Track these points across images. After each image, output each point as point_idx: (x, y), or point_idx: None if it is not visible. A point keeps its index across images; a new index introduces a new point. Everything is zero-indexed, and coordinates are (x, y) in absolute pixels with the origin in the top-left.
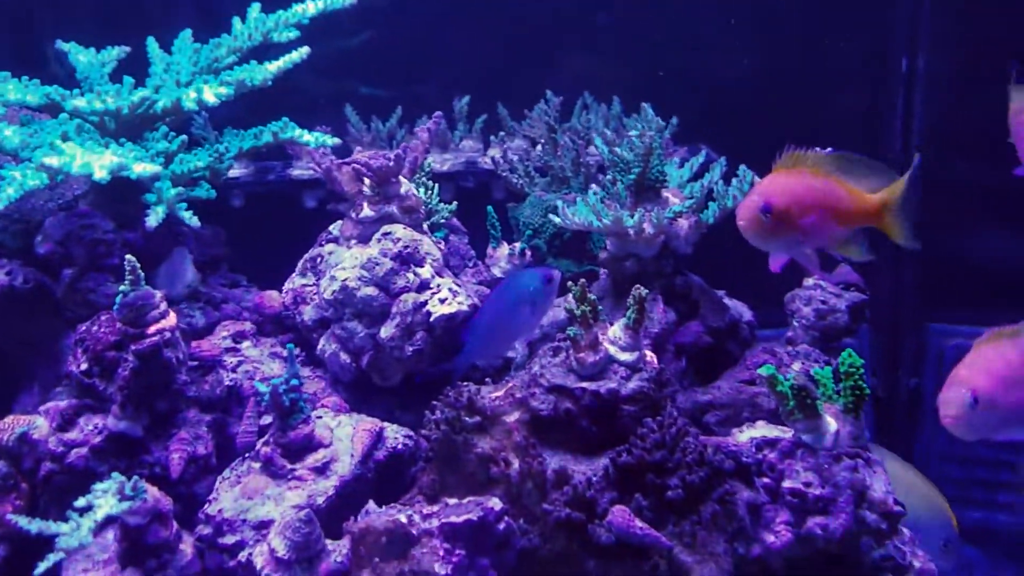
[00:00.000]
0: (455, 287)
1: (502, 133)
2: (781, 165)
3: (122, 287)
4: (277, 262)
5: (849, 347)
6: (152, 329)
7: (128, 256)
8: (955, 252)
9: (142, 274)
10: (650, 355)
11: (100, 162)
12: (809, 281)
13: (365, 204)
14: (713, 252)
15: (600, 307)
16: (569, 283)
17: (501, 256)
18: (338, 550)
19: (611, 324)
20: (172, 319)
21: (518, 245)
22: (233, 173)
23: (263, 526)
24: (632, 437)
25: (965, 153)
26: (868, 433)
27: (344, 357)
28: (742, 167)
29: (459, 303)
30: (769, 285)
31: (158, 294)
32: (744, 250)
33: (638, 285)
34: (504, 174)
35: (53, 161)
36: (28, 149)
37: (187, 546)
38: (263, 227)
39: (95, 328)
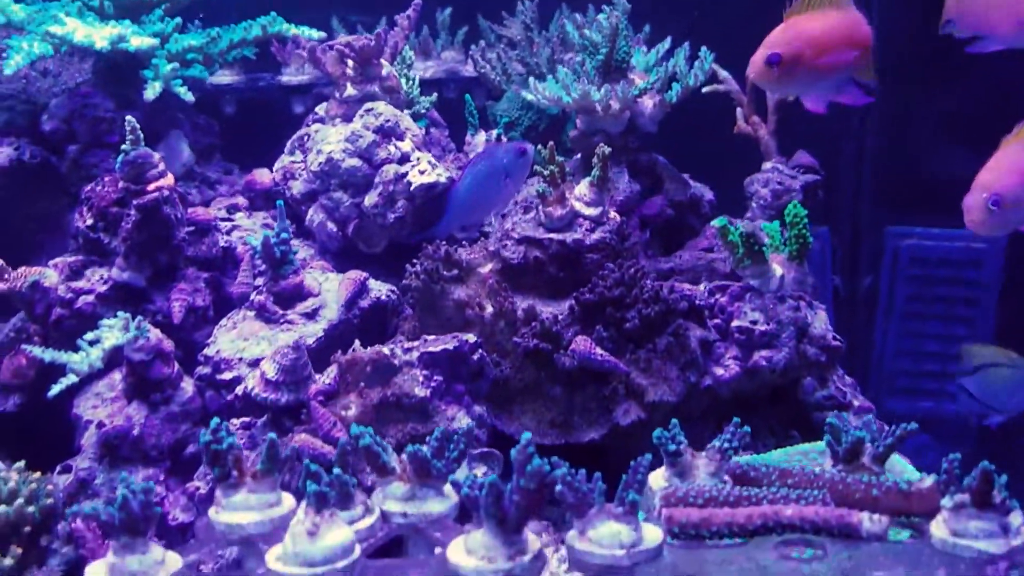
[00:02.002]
0: (434, 161)
1: (482, 42)
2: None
3: (123, 147)
4: (267, 162)
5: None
6: (152, 186)
7: (128, 117)
8: (912, 162)
9: (141, 135)
10: (613, 213)
11: (101, 34)
12: (767, 165)
13: (348, 84)
14: (677, 141)
15: (568, 169)
16: (539, 147)
17: (479, 143)
18: (326, 375)
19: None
20: (170, 179)
21: (494, 132)
22: (224, 80)
23: (257, 363)
24: (594, 278)
25: (923, 78)
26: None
27: (331, 226)
28: (703, 48)
29: (438, 175)
30: (730, 170)
31: (156, 155)
32: (706, 138)
33: (602, 144)
34: (483, 71)
35: (58, 30)
36: (34, 24)
37: (188, 384)
38: (253, 131)
39: (99, 187)
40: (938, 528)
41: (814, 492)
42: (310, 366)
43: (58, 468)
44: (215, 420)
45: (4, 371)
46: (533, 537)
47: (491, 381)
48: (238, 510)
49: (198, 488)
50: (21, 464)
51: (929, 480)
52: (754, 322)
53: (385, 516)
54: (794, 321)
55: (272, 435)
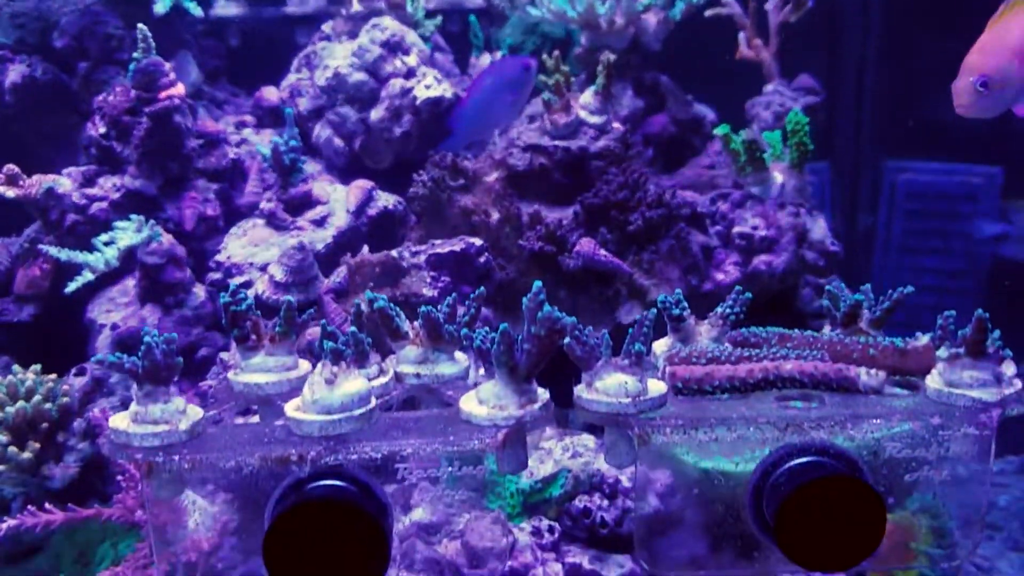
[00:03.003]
0: (439, 76)
1: None
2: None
3: (135, 55)
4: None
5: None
6: (163, 94)
7: (140, 25)
8: (911, 98)
9: (153, 44)
10: (617, 124)
11: None
12: (769, 87)
13: (355, 0)
14: (681, 63)
15: (572, 79)
16: (544, 57)
17: (483, 65)
18: (336, 275)
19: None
20: (181, 88)
21: (499, 53)
22: (229, 12)
23: (267, 268)
24: (598, 182)
25: (923, 14)
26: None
27: (337, 142)
28: None
29: (443, 90)
30: (732, 92)
31: (167, 64)
32: (709, 61)
33: (606, 52)
34: None
35: None
36: None
37: (200, 290)
38: (258, 62)
39: (111, 97)
40: (933, 380)
41: (813, 352)
42: (316, 267)
43: (73, 371)
44: (233, 284)
45: (19, 282)
46: (542, 390)
47: (497, 284)
48: (256, 371)
49: (211, 386)
50: (37, 367)
51: (925, 338)
52: (755, 228)
53: (399, 377)
54: (794, 227)
55: (289, 298)
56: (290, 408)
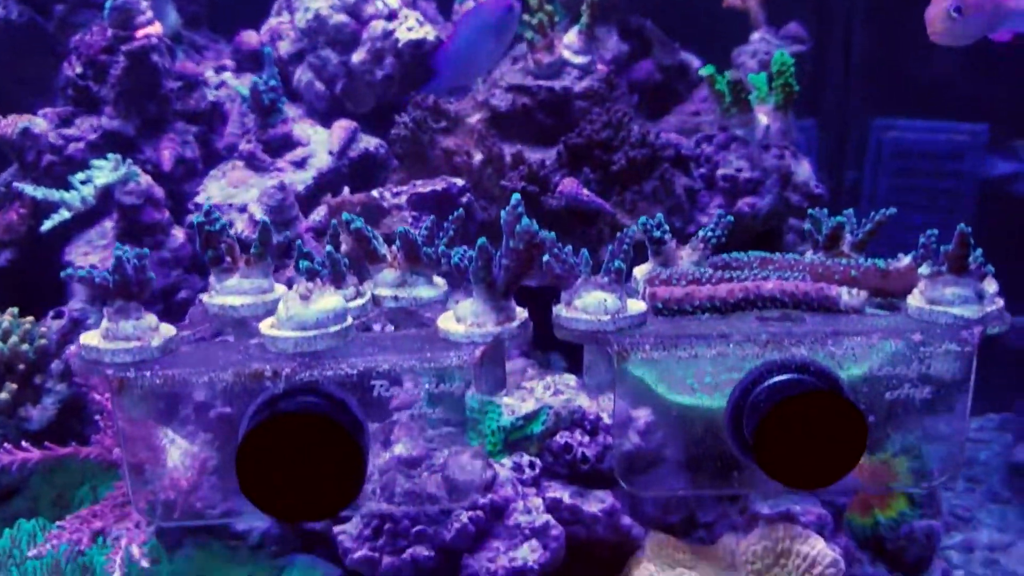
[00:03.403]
0: (421, 19)
1: None
2: None
3: None
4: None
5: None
6: (140, 33)
7: None
8: (898, 56)
9: None
10: (602, 66)
11: None
12: (755, 35)
13: None
14: (665, 9)
15: (556, 18)
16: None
17: (467, 9)
18: (316, 214)
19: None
20: (158, 27)
21: None
22: None
23: (247, 208)
24: (582, 122)
25: None
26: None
27: (319, 85)
28: None
29: (426, 32)
30: (718, 41)
31: (144, 2)
32: (694, 7)
33: None
34: None
35: None
36: None
37: (179, 232)
38: (237, 14)
39: (87, 36)
40: (914, 299)
41: (794, 274)
42: (297, 207)
43: (51, 314)
44: (208, 203)
45: None
46: (521, 309)
47: (479, 224)
48: (231, 294)
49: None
50: (14, 310)
51: (907, 259)
52: (739, 170)
53: (376, 300)
54: (778, 169)
55: (265, 219)
56: (264, 326)
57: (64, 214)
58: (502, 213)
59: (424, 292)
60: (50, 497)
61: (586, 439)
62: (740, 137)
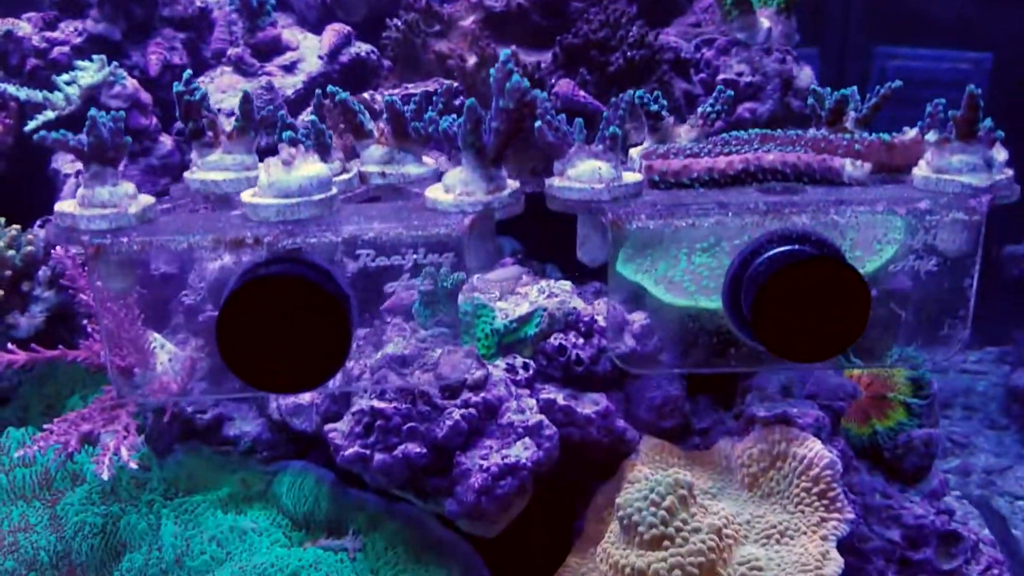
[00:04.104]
0: None
1: None
2: None
3: None
4: None
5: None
6: None
7: None
8: None
9: None
10: None
11: None
12: None
13: None
14: None
15: None
16: None
17: None
18: (304, 115)
19: None
20: None
21: None
22: None
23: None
24: (579, 21)
25: None
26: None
27: None
28: None
29: None
30: None
31: None
32: None
33: None
34: None
35: None
36: None
37: (167, 139)
38: None
39: None
40: (920, 169)
41: (797, 148)
42: (285, 109)
43: (38, 222)
44: (187, 72)
45: None
46: (512, 181)
47: None
48: (213, 169)
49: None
50: (0, 220)
51: (913, 132)
52: (740, 74)
53: (363, 177)
54: (780, 73)
55: (246, 88)
56: (246, 195)
57: (49, 114)
58: (491, 71)
59: (412, 169)
60: (40, 407)
61: (580, 341)
62: (741, 41)
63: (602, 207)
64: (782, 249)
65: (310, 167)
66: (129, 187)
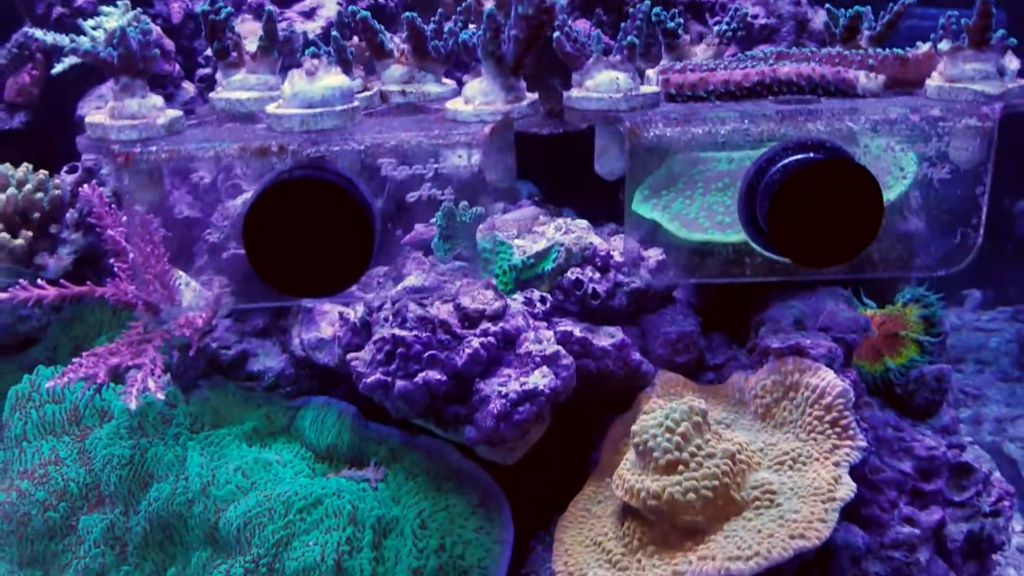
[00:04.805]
0: None
1: None
2: None
3: None
4: None
5: None
6: None
7: None
8: None
9: None
10: None
11: None
12: None
13: None
14: None
15: None
16: None
17: None
18: None
19: None
20: None
21: None
22: None
23: None
24: None
25: None
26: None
27: None
28: None
29: None
30: None
31: None
32: None
33: None
34: None
35: None
36: None
37: (189, 86)
38: None
39: None
40: (933, 80)
41: (812, 63)
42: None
43: (64, 168)
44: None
45: (9, 89)
46: (531, 94)
47: None
48: (238, 89)
49: (202, 177)
50: (27, 165)
51: (926, 46)
52: (755, 16)
53: (384, 96)
54: (794, 16)
55: (269, 8)
56: (270, 107)
57: (74, 59)
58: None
59: (432, 88)
60: (68, 347)
61: (597, 275)
62: None
63: (620, 116)
64: (797, 157)
65: (333, 78)
66: (157, 100)
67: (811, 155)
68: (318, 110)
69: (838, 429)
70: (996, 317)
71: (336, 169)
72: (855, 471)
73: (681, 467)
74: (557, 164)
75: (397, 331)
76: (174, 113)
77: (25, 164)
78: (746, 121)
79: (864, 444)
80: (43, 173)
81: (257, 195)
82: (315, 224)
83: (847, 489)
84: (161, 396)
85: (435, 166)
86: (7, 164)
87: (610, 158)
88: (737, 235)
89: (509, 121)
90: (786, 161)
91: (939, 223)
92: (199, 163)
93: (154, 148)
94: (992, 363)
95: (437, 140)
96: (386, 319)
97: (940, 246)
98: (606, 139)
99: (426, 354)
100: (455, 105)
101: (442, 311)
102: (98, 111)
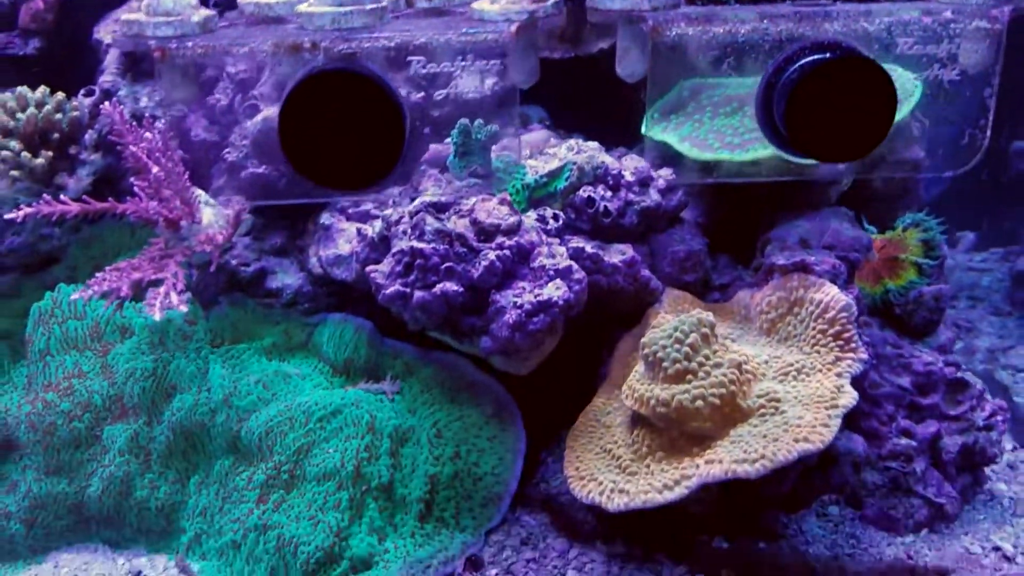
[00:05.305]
0: None
1: None
2: None
3: None
4: None
5: None
6: None
7: None
8: None
9: None
10: None
11: None
12: None
13: None
14: None
15: None
16: None
17: None
18: None
19: None
20: None
21: None
22: None
23: None
24: None
25: None
26: None
27: None
28: None
29: None
30: None
31: None
32: None
33: None
34: None
35: None
36: None
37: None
38: None
39: None
40: None
41: None
42: None
43: (82, 91)
44: None
45: (23, 16)
46: None
47: None
48: None
49: (219, 100)
50: (45, 88)
51: None
52: None
53: (409, 1)
54: None
55: None
56: (301, 7)
57: None
58: None
59: None
60: (88, 267)
61: (608, 194)
62: None
63: (643, 15)
64: (814, 56)
65: None
66: None
67: (827, 55)
68: (348, 8)
69: (841, 341)
70: (988, 258)
71: (368, 66)
72: (855, 384)
73: (689, 376)
74: (567, 89)
75: (416, 243)
76: (207, 12)
77: (42, 89)
78: (765, 21)
79: (865, 356)
80: (61, 95)
81: (293, 88)
82: (349, 116)
83: (849, 397)
84: (184, 308)
85: (462, 63)
86: (24, 88)
87: (632, 60)
88: (745, 155)
89: (534, 20)
90: (803, 61)
91: (948, 124)
92: (232, 60)
93: (190, 44)
94: (984, 299)
95: (465, 38)
96: (404, 232)
97: (948, 147)
98: (628, 40)
99: (443, 266)
100: (481, 5)
101: (459, 225)
102: (132, 10)
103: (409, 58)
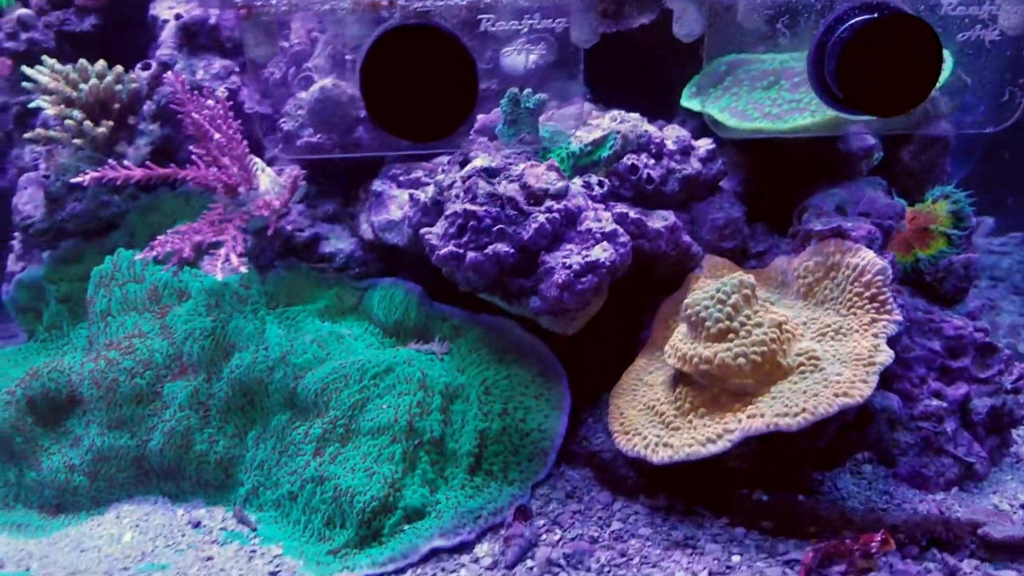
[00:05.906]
0: None
1: None
2: None
3: None
4: None
5: None
6: None
7: None
8: None
9: None
10: None
11: None
12: None
13: None
14: None
15: None
16: None
17: None
18: None
19: None
20: None
21: None
22: None
23: None
24: None
25: None
26: None
27: None
28: None
29: None
30: None
31: None
32: None
33: None
34: None
35: None
36: None
37: None
38: None
39: None
40: None
41: None
42: None
43: (139, 65)
44: None
45: None
46: None
47: None
48: None
49: (272, 73)
50: (103, 62)
51: None
52: None
53: None
54: None
55: None
56: None
57: None
58: None
59: None
60: (146, 234)
61: (651, 161)
62: None
63: None
64: (864, 16)
65: None
66: None
67: (875, 14)
68: None
69: (876, 304)
70: (1007, 242)
71: (442, 24)
72: (889, 346)
73: (731, 335)
74: (607, 64)
75: (468, 206)
76: None
77: (100, 63)
78: None
79: (900, 318)
80: (119, 68)
81: (373, 42)
82: (425, 69)
83: (886, 355)
84: (244, 270)
85: (530, 22)
86: (84, 62)
87: (688, 19)
88: (784, 124)
89: None
90: (853, 21)
91: (989, 83)
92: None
93: (274, 1)
94: (1005, 279)
95: None
96: (457, 196)
97: (989, 104)
98: (684, 2)
99: (495, 227)
100: None
101: (509, 189)
102: None
103: (479, 16)
